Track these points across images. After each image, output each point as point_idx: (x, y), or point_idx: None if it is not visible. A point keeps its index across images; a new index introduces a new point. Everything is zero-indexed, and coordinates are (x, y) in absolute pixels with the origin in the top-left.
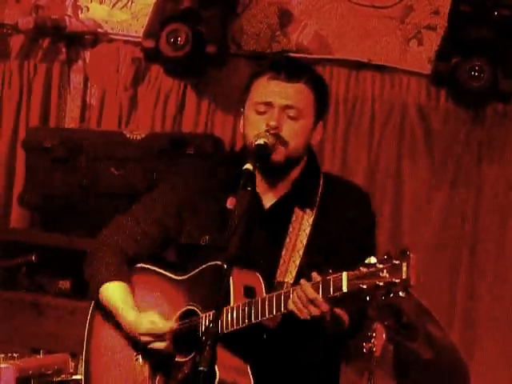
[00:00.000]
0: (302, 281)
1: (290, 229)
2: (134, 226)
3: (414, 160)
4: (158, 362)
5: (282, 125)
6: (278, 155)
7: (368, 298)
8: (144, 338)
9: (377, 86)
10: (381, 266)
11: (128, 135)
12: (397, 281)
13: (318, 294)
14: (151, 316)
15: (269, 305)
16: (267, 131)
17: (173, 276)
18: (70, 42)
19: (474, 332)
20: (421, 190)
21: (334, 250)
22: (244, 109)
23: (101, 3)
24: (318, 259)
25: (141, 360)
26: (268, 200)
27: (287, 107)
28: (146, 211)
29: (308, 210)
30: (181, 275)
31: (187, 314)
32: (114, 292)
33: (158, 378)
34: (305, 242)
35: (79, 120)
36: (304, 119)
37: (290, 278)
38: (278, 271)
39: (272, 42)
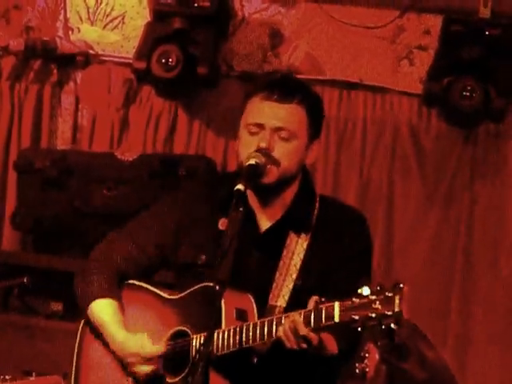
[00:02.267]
0: (296, 316)
1: (284, 252)
2: (129, 243)
3: (406, 180)
4: (148, 382)
5: (273, 146)
6: (270, 175)
7: (359, 329)
8: (131, 360)
9: (368, 106)
10: (373, 297)
11: (119, 156)
12: (389, 313)
13: (310, 322)
14: (140, 339)
15: (260, 331)
16: (258, 151)
17: (165, 295)
18: (61, 63)
19: (467, 350)
20: (413, 209)
21: (328, 274)
22: (239, 129)
23: (92, 24)
24: (311, 283)
25: (131, 381)
26: (263, 222)
27: (279, 129)
28: (142, 228)
29: (303, 234)
30: (174, 294)
31: (178, 335)
32: (103, 309)
33: None
34: (298, 266)
35: (71, 141)
36: (296, 140)
37: (282, 302)
38: (271, 295)
39: (263, 63)
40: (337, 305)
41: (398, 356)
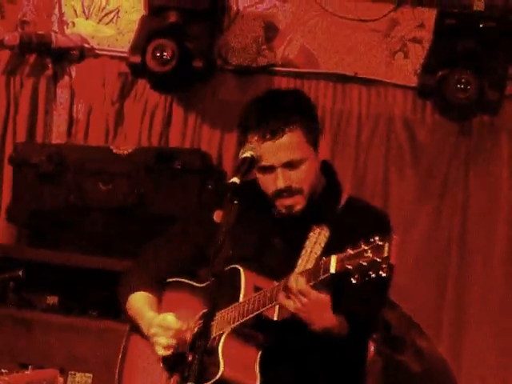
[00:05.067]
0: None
1: (307, 242)
2: (170, 251)
3: (401, 173)
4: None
5: (289, 181)
6: (298, 205)
7: (354, 281)
8: (153, 331)
9: (363, 99)
10: (366, 247)
11: (115, 150)
12: (379, 260)
13: (310, 279)
14: (164, 314)
15: (270, 296)
16: (280, 192)
17: (195, 284)
18: (57, 57)
19: (461, 343)
20: (408, 202)
21: None
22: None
23: (87, 18)
24: None
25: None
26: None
27: (287, 163)
28: (179, 237)
29: (325, 226)
30: (203, 282)
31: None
32: (138, 300)
33: None
34: (319, 253)
35: (66, 135)
36: (306, 160)
37: None
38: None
39: (258, 56)
40: (333, 257)
41: (394, 348)
